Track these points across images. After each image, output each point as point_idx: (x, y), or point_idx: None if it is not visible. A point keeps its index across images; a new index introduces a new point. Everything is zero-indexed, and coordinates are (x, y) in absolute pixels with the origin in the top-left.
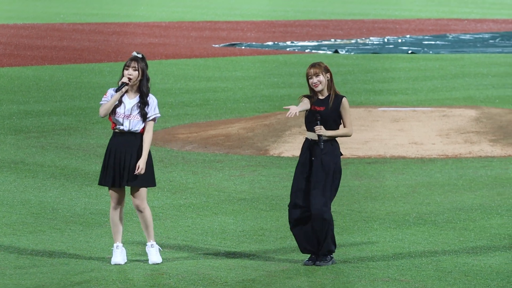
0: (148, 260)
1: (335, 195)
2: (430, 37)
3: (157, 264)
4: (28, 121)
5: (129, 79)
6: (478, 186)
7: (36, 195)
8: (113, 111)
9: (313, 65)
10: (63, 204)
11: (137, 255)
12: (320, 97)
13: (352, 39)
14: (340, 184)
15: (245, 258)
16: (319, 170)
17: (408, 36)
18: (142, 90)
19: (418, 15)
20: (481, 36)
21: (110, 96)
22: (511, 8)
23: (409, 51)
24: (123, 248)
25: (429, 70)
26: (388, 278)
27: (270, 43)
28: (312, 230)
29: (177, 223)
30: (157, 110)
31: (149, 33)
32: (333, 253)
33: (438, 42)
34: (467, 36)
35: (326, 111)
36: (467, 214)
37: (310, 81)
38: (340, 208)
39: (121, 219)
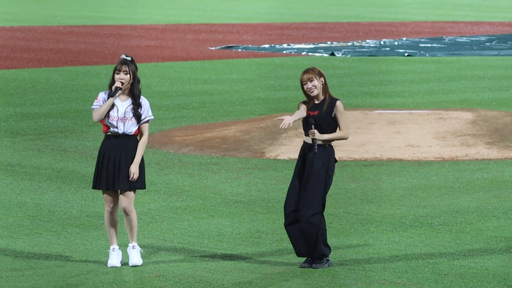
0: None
1: (325, 199)
2: (426, 40)
3: (137, 266)
4: (24, 124)
5: (122, 83)
6: (475, 188)
7: (33, 198)
8: (107, 115)
9: (306, 71)
10: (60, 206)
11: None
12: (316, 101)
13: (348, 42)
14: (333, 187)
15: (242, 260)
16: (309, 174)
17: (404, 38)
18: (134, 92)
19: (415, 18)
20: (477, 38)
21: (102, 100)
22: (507, 11)
23: (406, 54)
24: (119, 251)
25: (425, 73)
26: (384, 281)
27: (266, 45)
28: (304, 234)
29: (173, 226)
30: (150, 112)
31: (146, 36)
32: (328, 256)
33: (434, 44)
34: (464, 39)
35: (320, 115)
36: (463, 216)
37: (305, 86)
38: (336, 210)
39: (116, 221)
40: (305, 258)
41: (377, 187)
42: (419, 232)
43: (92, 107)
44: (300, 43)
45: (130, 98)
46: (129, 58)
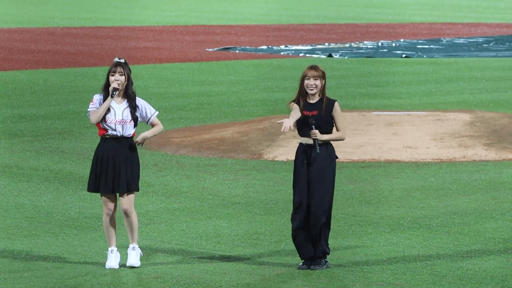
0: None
1: (332, 199)
2: (424, 41)
3: (134, 267)
4: (22, 125)
5: (118, 84)
6: (473, 190)
7: (31, 199)
8: (103, 118)
9: (314, 68)
10: (58, 208)
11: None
12: (310, 101)
13: (346, 43)
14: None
15: (240, 262)
16: (318, 177)
17: (402, 40)
18: (129, 94)
19: (412, 19)
20: (475, 40)
21: (98, 103)
22: (505, 12)
23: (403, 55)
24: (118, 253)
25: (423, 74)
26: (382, 282)
27: (264, 47)
28: (309, 231)
29: (171, 227)
30: (152, 110)
31: (143, 37)
32: (328, 256)
33: (432, 46)
34: (461, 40)
35: (319, 115)
36: (461, 218)
37: (307, 82)
38: (334, 212)
39: (115, 223)
40: (304, 260)
41: (375, 189)
42: (417, 234)
43: (88, 109)
44: (298, 44)
45: (126, 100)
46: (122, 60)
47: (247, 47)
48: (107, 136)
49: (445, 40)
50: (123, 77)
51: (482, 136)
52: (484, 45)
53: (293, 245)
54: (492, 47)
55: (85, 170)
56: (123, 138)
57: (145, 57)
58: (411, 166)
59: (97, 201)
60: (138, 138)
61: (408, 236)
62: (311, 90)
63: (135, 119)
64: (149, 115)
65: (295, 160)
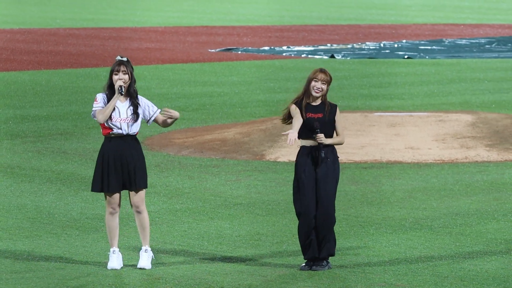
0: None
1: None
2: (426, 42)
3: (144, 269)
4: (24, 126)
5: (124, 82)
6: (474, 191)
7: (32, 200)
8: (109, 117)
9: (324, 71)
10: (60, 208)
11: (133, 260)
12: (313, 103)
13: (348, 44)
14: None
15: (241, 263)
16: (326, 179)
17: (404, 41)
18: (131, 92)
19: (415, 20)
20: (477, 41)
21: (102, 102)
22: (507, 14)
23: (405, 56)
24: (120, 253)
25: (425, 75)
26: (384, 283)
27: (266, 48)
28: (318, 234)
29: (173, 228)
30: (154, 107)
31: (146, 38)
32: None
33: (434, 47)
34: (463, 41)
35: (324, 118)
36: (463, 219)
37: (314, 83)
38: (336, 213)
39: (117, 224)
40: (305, 260)
41: (377, 190)
42: (419, 235)
43: (93, 109)
44: (300, 45)
45: (129, 99)
46: (125, 59)
47: (249, 48)
48: (113, 135)
49: (447, 41)
50: (127, 75)
51: (484, 137)
52: (486, 46)
53: (296, 245)
54: (494, 48)
55: (88, 171)
56: (128, 136)
57: (147, 58)
58: (413, 167)
59: (99, 201)
60: (172, 112)
61: (410, 237)
62: (317, 93)
63: (137, 116)
64: (151, 113)
65: (298, 164)
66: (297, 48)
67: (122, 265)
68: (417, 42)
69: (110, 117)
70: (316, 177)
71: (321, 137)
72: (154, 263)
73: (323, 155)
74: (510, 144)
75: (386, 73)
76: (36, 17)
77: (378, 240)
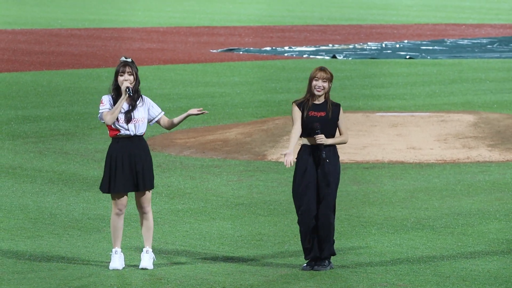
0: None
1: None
2: (428, 42)
3: (146, 269)
4: (26, 127)
5: (130, 83)
6: (476, 191)
7: (34, 200)
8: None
9: (323, 69)
10: (61, 209)
11: (135, 260)
12: (316, 102)
13: (350, 44)
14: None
15: (243, 263)
16: (327, 179)
17: (406, 41)
18: (135, 93)
19: (416, 20)
20: (479, 41)
21: (108, 104)
22: (509, 14)
23: (407, 56)
24: (122, 254)
25: (427, 75)
26: (386, 283)
27: (268, 48)
28: (318, 234)
29: (175, 228)
30: (159, 109)
31: (147, 39)
32: (332, 256)
33: (436, 47)
34: (465, 41)
35: (326, 117)
36: (465, 219)
37: (315, 83)
38: (338, 213)
39: (122, 225)
40: (307, 260)
41: (378, 190)
42: (421, 235)
43: (100, 111)
44: (301, 45)
45: (133, 100)
46: (129, 60)
47: (251, 48)
48: (120, 136)
49: (449, 41)
50: (132, 76)
51: (486, 137)
52: (488, 46)
53: (297, 245)
54: (496, 48)
55: (89, 171)
56: (135, 137)
57: (149, 58)
58: (414, 167)
59: (100, 202)
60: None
61: (411, 237)
62: (318, 91)
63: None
64: (154, 115)
65: (298, 163)
66: (298, 48)
67: (123, 266)
68: (419, 42)
69: (117, 119)
70: (316, 177)
71: (321, 138)
72: (156, 263)
73: (324, 155)
74: None
75: (388, 73)
76: (38, 17)
77: (380, 240)
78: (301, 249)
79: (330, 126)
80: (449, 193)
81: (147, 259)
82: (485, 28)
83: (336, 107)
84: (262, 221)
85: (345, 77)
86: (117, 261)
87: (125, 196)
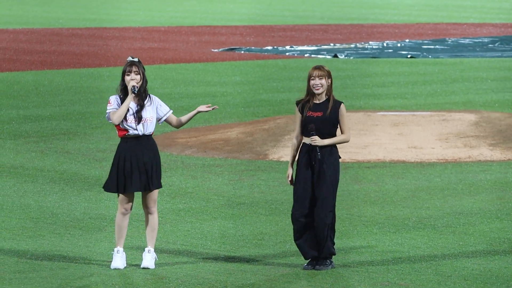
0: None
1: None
2: (429, 42)
3: (148, 268)
4: (27, 126)
5: (136, 82)
6: (478, 190)
7: (36, 200)
8: (124, 119)
9: (318, 67)
10: (63, 208)
11: (137, 259)
12: (316, 101)
13: (351, 44)
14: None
15: (245, 262)
16: (322, 180)
17: (407, 40)
18: (141, 93)
19: (417, 20)
20: (480, 40)
21: (115, 104)
22: (510, 13)
23: (408, 56)
24: (124, 253)
25: (428, 75)
26: (387, 282)
27: (269, 47)
28: (312, 233)
29: (176, 228)
30: (167, 107)
31: (148, 38)
32: (334, 256)
33: (437, 46)
34: (466, 41)
35: (323, 117)
36: (466, 218)
37: (312, 82)
38: (339, 212)
39: (127, 224)
40: (309, 260)
41: (380, 189)
42: (422, 234)
43: (108, 111)
44: (303, 45)
45: (140, 99)
46: (136, 59)
47: (253, 47)
48: (128, 136)
49: (450, 40)
50: (139, 76)
51: (487, 136)
52: (490, 45)
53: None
54: (498, 47)
55: (91, 171)
56: (144, 136)
57: (150, 57)
58: (416, 166)
59: (102, 201)
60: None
61: (413, 236)
62: (317, 89)
63: (140, 117)
64: (162, 113)
65: (299, 161)
66: (300, 47)
67: (125, 265)
68: (420, 41)
69: (125, 119)
70: (312, 178)
71: (315, 140)
72: (158, 262)
73: (319, 157)
74: None
75: (389, 73)
76: (39, 17)
77: (381, 240)
78: None
79: (328, 126)
80: (450, 192)
81: (149, 259)
82: (487, 27)
83: (336, 106)
84: (264, 221)
85: (346, 76)
86: (118, 260)
87: (132, 196)
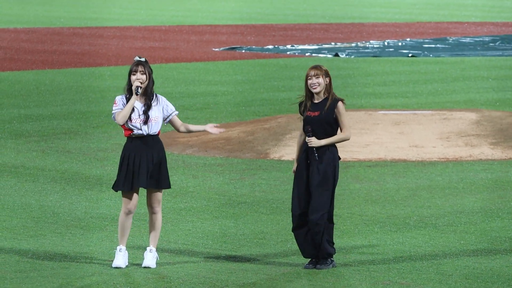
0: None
1: (334, 198)
2: (430, 40)
3: (149, 268)
4: (28, 125)
5: (141, 82)
6: (479, 189)
7: (37, 199)
8: (129, 118)
9: (314, 67)
10: (64, 208)
11: (138, 259)
12: (315, 101)
13: (352, 43)
14: (337, 188)
15: (246, 261)
16: (316, 178)
17: (408, 39)
18: (148, 93)
19: (418, 19)
20: (481, 39)
21: (121, 104)
22: (511, 11)
23: (410, 55)
24: (126, 252)
25: (429, 73)
26: (388, 281)
27: (270, 46)
28: (311, 235)
29: (177, 227)
30: (172, 108)
31: (149, 37)
32: (333, 257)
33: (438, 45)
34: (468, 39)
35: (320, 116)
36: (467, 217)
37: (309, 81)
38: (340, 211)
39: (130, 223)
40: (309, 259)
41: (381, 188)
42: (424, 233)
43: (113, 112)
44: (304, 44)
45: (146, 99)
46: (143, 59)
47: (253, 46)
48: (134, 136)
49: (451, 39)
50: (145, 76)
51: (489, 135)
52: (491, 44)
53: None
54: (499, 46)
55: (92, 170)
56: (149, 136)
57: (151, 57)
58: (417, 165)
59: (103, 201)
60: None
61: (414, 235)
62: (315, 88)
63: (147, 116)
64: (167, 113)
65: (299, 159)
66: (301, 46)
67: (127, 264)
68: (421, 40)
69: (130, 119)
70: (308, 177)
71: (311, 141)
72: (159, 262)
73: (317, 158)
74: None
75: (390, 72)
76: (40, 16)
77: (383, 239)
78: None
79: (325, 126)
80: (451, 191)
81: (150, 258)
82: (488, 26)
83: (333, 105)
84: (265, 220)
85: (347, 75)
86: (120, 259)
87: (136, 197)
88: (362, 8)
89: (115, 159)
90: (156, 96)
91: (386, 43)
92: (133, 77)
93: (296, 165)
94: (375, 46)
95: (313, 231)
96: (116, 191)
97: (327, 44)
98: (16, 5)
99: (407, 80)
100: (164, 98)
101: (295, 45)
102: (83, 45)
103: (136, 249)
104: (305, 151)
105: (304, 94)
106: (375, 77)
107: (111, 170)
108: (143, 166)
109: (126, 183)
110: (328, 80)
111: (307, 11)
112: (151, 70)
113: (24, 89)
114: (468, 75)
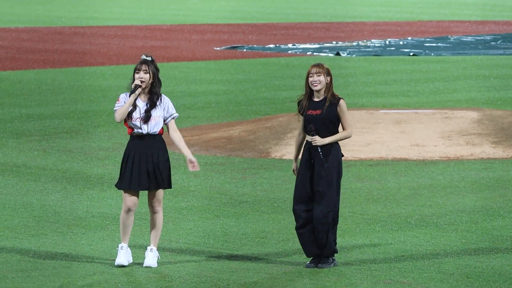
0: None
1: (339, 197)
2: (431, 39)
3: (150, 267)
4: (30, 125)
5: (142, 81)
6: (480, 188)
7: (38, 199)
8: (129, 116)
9: (316, 65)
10: (65, 207)
11: (139, 258)
12: (316, 99)
13: (353, 42)
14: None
15: (247, 260)
16: (321, 177)
17: (409, 38)
18: (152, 93)
19: (420, 17)
20: (482, 38)
21: (123, 102)
22: None
23: (411, 53)
24: (128, 249)
25: (430, 72)
26: (390, 280)
27: (271, 45)
28: (314, 233)
29: (179, 226)
30: (173, 110)
31: (151, 36)
32: (336, 254)
33: (439, 44)
34: (469, 38)
35: (322, 114)
36: (469, 216)
37: (311, 79)
38: (342, 210)
39: (132, 221)
40: (311, 258)
41: (382, 187)
42: (425, 232)
43: (114, 109)
44: (305, 43)
45: (149, 98)
46: (149, 58)
47: (255, 45)
48: (134, 134)
49: (452, 38)
50: (148, 75)
51: (490, 134)
52: (492, 43)
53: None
54: (500, 45)
55: (93, 169)
56: (149, 135)
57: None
58: (418, 164)
59: (104, 200)
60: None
61: (415, 234)
62: (315, 86)
63: (148, 116)
64: (168, 114)
65: (301, 157)
66: (302, 45)
67: (130, 261)
68: (422, 39)
69: (131, 117)
70: (311, 176)
71: (315, 140)
72: (160, 261)
73: (321, 156)
74: None
75: (392, 71)
76: (42, 15)
77: (384, 237)
78: None
79: (327, 124)
80: (453, 190)
81: (151, 257)
82: (489, 25)
83: (333, 103)
84: (266, 219)
85: (348, 74)
86: (122, 256)
87: (136, 194)
88: (364, 7)
89: (116, 158)
90: (161, 96)
91: (387, 42)
92: (136, 75)
93: (295, 165)
94: (376, 45)
95: (319, 229)
96: (119, 189)
97: (329, 43)
98: (17, 4)
99: (408, 79)
100: (168, 100)
101: (297, 44)
102: (84, 44)
103: (137, 248)
104: (308, 150)
105: (304, 93)
106: (376, 76)
107: (113, 169)
108: (143, 165)
109: (128, 182)
110: (329, 79)
111: (308, 10)
112: (157, 69)
113: (26, 88)
114: (470, 74)
